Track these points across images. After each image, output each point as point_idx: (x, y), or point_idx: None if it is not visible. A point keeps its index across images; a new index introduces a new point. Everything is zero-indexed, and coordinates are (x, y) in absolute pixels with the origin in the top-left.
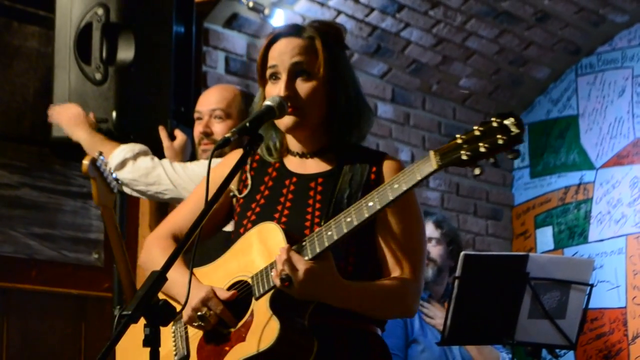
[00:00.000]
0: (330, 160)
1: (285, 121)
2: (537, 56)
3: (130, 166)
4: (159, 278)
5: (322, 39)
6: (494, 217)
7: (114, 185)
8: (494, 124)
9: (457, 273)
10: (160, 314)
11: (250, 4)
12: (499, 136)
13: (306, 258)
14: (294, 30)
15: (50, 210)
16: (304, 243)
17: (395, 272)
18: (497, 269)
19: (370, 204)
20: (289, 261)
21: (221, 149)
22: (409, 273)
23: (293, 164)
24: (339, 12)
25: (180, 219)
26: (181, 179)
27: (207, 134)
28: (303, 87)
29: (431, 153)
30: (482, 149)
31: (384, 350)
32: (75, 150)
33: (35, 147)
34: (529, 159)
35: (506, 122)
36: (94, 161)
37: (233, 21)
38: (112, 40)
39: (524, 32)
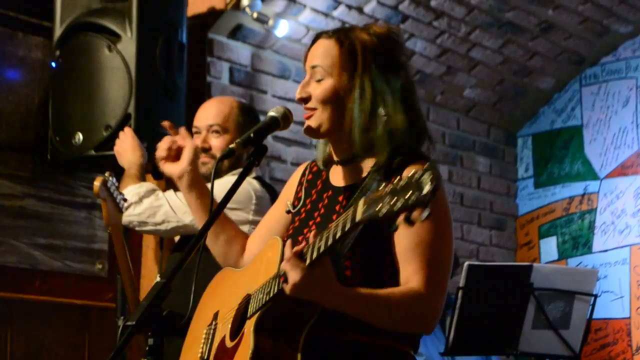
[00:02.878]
0: (360, 170)
1: (304, 127)
2: (541, 66)
3: (135, 209)
4: (163, 289)
5: (341, 44)
6: (498, 228)
7: (122, 205)
8: (416, 175)
9: (461, 283)
10: (164, 324)
11: (255, 15)
12: (410, 192)
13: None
14: (331, 31)
15: (54, 221)
16: (305, 250)
17: (408, 285)
18: (501, 279)
19: (322, 243)
20: (290, 260)
21: (226, 159)
22: (421, 286)
23: (335, 175)
24: (344, 23)
25: (255, 243)
26: (187, 206)
27: (205, 149)
28: (315, 88)
29: (360, 202)
30: (395, 208)
31: None
32: (77, 163)
33: (39, 157)
34: (533, 169)
35: (425, 175)
36: (104, 182)
37: (237, 32)
38: (180, 58)
39: (528, 42)
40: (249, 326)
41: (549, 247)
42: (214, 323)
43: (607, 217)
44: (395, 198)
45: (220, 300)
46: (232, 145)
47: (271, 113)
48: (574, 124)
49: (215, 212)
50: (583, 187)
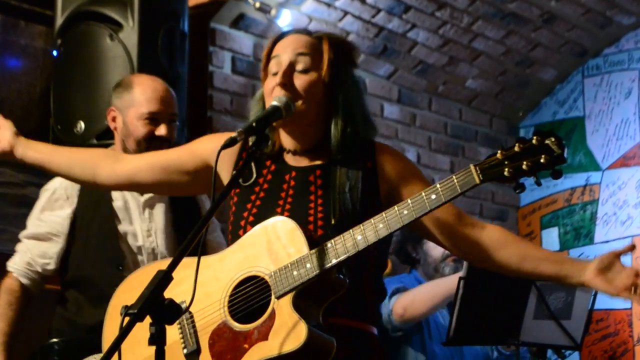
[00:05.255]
0: (324, 156)
1: None
2: (544, 57)
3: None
4: (165, 277)
5: (330, 42)
6: (500, 218)
7: None
8: (535, 142)
9: (463, 273)
10: (166, 312)
11: (257, 5)
12: (542, 155)
13: (334, 261)
14: (304, 30)
15: None
16: (329, 245)
17: (468, 224)
18: None
19: (405, 212)
20: None
21: (228, 148)
22: (481, 221)
23: (290, 159)
24: (346, 13)
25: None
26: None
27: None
28: (300, 78)
29: (472, 167)
30: (525, 167)
31: (384, 351)
32: None
33: None
34: None
35: (547, 141)
36: None
37: (240, 21)
38: (182, 47)
39: (531, 33)
40: (284, 306)
41: (551, 237)
42: (187, 312)
43: (609, 208)
44: (522, 161)
45: (177, 291)
46: (233, 135)
47: (273, 102)
48: (576, 115)
49: (218, 200)
50: (585, 178)
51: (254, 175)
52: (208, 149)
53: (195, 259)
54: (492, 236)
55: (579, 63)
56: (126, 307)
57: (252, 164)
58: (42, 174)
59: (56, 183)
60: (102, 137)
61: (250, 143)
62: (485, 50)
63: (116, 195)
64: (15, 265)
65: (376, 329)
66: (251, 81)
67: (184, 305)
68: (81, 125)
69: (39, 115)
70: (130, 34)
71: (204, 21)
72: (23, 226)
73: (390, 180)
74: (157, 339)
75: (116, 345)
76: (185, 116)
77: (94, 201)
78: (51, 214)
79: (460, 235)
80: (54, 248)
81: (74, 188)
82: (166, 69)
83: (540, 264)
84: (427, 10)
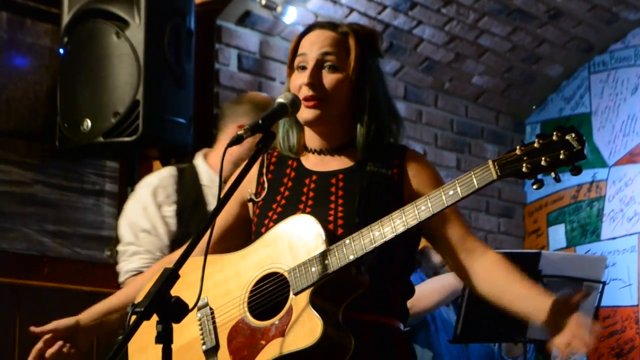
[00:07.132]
0: (350, 156)
1: (305, 114)
2: (550, 54)
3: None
4: (172, 275)
5: (356, 37)
6: (506, 215)
7: None
8: (555, 138)
9: None
10: (172, 310)
11: (263, 2)
12: (561, 151)
13: (351, 257)
14: (329, 24)
15: (62, 208)
16: (347, 241)
17: (467, 249)
18: None
19: (423, 208)
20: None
21: (233, 146)
22: (483, 246)
23: (311, 162)
24: (352, 10)
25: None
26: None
27: None
28: (328, 77)
29: (490, 163)
30: (543, 163)
31: (408, 345)
32: (86, 150)
33: (47, 144)
34: None
35: (567, 137)
36: None
37: (246, 19)
38: (189, 44)
39: (537, 29)
40: (301, 302)
41: (557, 234)
42: (207, 309)
43: (615, 204)
44: (541, 156)
45: (203, 287)
46: (240, 132)
47: (279, 99)
48: (583, 112)
49: (225, 195)
50: (591, 175)
51: (267, 190)
52: (239, 188)
53: (214, 256)
54: (483, 266)
55: (585, 59)
56: (133, 305)
57: (268, 177)
58: (49, 173)
59: (154, 180)
60: (109, 135)
61: (264, 165)
62: (492, 47)
63: (210, 199)
64: (133, 266)
65: (402, 324)
66: (257, 78)
67: (205, 303)
68: (88, 123)
69: (45, 113)
70: (136, 31)
71: (210, 18)
72: (29, 224)
73: (414, 189)
74: (164, 338)
75: (123, 343)
76: (191, 114)
77: (192, 203)
78: (158, 210)
79: (457, 259)
80: (164, 242)
81: (172, 186)
82: (172, 66)
83: (516, 301)
84: (433, 7)
